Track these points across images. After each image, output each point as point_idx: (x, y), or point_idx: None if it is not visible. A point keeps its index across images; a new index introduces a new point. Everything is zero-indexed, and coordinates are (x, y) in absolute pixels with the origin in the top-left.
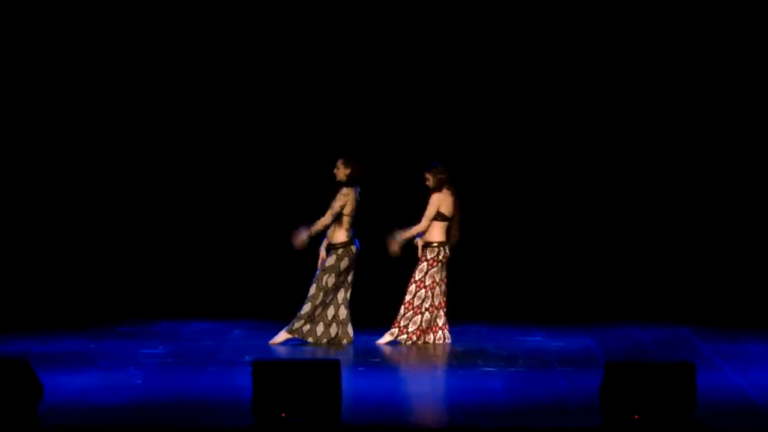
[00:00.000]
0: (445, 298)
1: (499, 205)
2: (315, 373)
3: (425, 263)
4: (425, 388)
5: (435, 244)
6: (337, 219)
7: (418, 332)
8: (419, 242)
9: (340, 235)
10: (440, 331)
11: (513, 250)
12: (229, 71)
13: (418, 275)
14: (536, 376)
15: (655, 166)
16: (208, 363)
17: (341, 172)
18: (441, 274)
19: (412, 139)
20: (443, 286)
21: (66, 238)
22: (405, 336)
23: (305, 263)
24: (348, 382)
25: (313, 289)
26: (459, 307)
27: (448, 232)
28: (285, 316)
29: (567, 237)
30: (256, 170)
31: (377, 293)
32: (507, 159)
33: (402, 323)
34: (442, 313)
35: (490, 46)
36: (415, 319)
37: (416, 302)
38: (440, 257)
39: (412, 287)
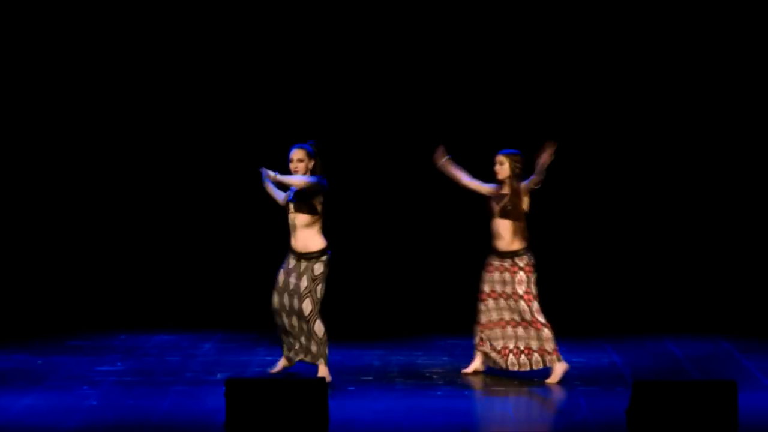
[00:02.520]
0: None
1: None
2: (298, 393)
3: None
4: (424, 410)
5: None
6: None
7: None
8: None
9: None
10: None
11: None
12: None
13: None
14: (553, 397)
15: (690, 170)
16: (174, 382)
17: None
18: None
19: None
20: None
21: (9, 240)
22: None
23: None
24: (336, 403)
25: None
26: (467, 318)
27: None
28: (261, 327)
29: (588, 239)
30: (223, 173)
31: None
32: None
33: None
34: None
35: (506, 44)
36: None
37: None
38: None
39: None
